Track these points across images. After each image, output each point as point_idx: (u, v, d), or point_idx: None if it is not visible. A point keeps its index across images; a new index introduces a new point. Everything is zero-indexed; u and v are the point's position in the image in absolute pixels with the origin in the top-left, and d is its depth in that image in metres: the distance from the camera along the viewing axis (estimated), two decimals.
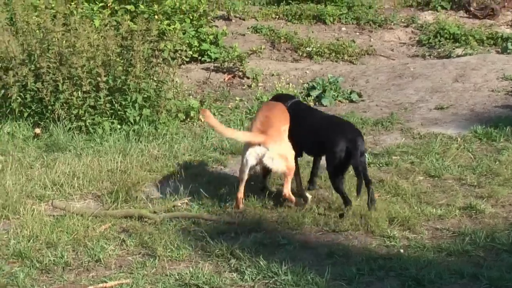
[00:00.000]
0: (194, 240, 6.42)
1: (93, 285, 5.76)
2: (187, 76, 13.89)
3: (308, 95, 12.53)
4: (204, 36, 14.68)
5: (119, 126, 10.06)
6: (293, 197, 7.24)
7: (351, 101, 12.43)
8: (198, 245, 6.34)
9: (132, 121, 10.09)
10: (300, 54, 15.83)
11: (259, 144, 7.03)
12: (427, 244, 6.30)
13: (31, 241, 6.39)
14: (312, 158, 7.88)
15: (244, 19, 17.73)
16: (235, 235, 6.56)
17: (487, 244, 6.29)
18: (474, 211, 7.11)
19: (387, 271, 5.76)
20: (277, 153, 7.07)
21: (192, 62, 14.53)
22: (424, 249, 6.20)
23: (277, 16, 18.09)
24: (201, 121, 10.75)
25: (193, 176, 8.14)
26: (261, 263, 5.83)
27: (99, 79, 9.99)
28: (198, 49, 14.50)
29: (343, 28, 17.64)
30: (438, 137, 9.73)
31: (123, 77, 10.16)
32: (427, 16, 18.20)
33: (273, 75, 14.07)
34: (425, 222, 6.87)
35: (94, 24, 11.76)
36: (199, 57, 14.67)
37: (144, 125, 10.09)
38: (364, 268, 5.78)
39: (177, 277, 5.80)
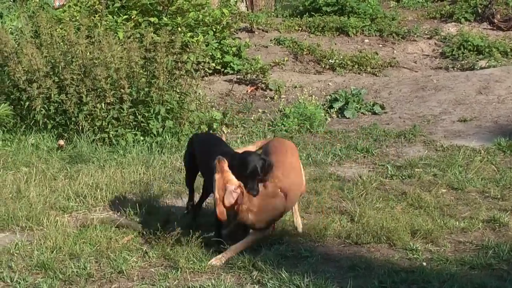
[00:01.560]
0: (216, 252, 6.42)
1: None
2: (210, 88, 13.94)
3: (331, 107, 12.55)
4: (227, 48, 14.75)
5: (142, 138, 10.11)
6: None
7: (374, 113, 12.42)
8: None
9: (155, 133, 10.13)
10: (323, 66, 15.83)
11: None
12: (450, 257, 6.25)
13: (54, 252, 6.41)
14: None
15: (267, 31, 17.77)
16: (257, 247, 6.55)
17: (511, 258, 6.21)
18: (498, 224, 7.03)
19: (410, 284, 5.71)
20: None
21: (215, 74, 14.60)
22: (447, 262, 6.15)
23: (300, 28, 18.11)
24: (223, 132, 10.78)
25: None
26: (283, 275, 5.81)
27: (122, 91, 10.05)
28: (221, 61, 14.56)
29: (366, 40, 17.62)
30: (461, 150, 9.68)
31: (146, 89, 10.22)
32: (451, 28, 18.12)
33: (295, 87, 14.09)
34: (448, 235, 6.82)
35: (118, 37, 11.84)
36: (222, 69, 14.73)
37: (167, 137, 10.13)
38: (386, 281, 5.73)
39: None
